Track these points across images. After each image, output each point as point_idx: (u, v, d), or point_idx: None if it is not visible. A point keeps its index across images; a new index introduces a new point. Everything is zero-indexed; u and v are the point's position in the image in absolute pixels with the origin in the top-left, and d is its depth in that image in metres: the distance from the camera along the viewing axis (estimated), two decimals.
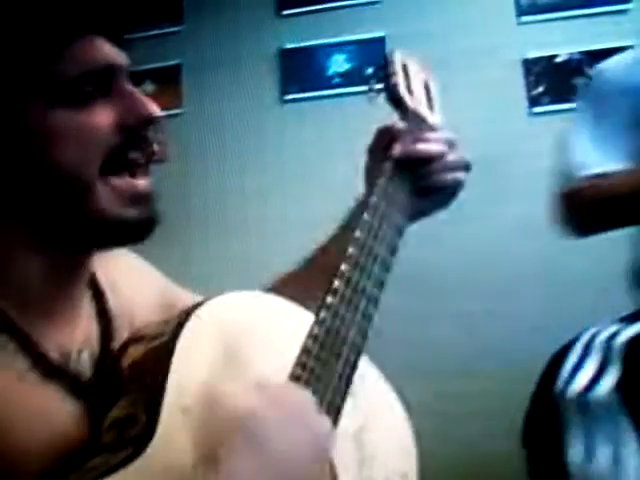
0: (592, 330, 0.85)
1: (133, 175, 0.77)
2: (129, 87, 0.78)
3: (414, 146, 0.99)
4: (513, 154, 2.70)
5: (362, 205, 0.99)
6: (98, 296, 0.85)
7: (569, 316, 2.44)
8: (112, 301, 0.86)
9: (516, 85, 2.78)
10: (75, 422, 0.73)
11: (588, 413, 0.77)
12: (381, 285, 0.87)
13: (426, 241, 2.68)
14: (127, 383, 0.75)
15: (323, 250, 1.07)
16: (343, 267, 0.84)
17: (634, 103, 1.51)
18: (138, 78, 3.02)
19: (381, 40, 2.87)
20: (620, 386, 0.77)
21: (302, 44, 2.94)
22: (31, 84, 0.71)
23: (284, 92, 2.91)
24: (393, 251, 0.90)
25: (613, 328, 0.84)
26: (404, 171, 0.98)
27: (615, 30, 2.71)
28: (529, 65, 2.77)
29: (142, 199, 0.77)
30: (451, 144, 1.04)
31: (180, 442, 0.68)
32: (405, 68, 1.10)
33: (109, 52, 0.77)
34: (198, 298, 1.01)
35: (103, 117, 0.74)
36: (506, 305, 2.59)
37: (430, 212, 1.05)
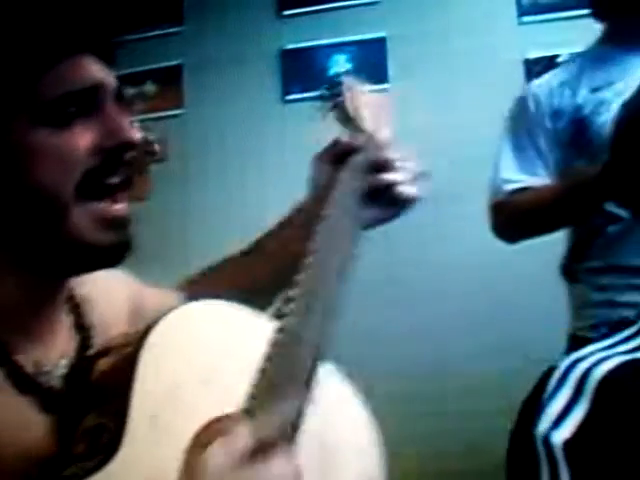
0: (572, 358, 0.83)
1: (111, 199, 0.76)
2: (113, 109, 0.76)
3: (382, 176, 1.02)
4: None
5: (304, 210, 1.05)
6: (75, 310, 0.84)
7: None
8: (88, 313, 0.86)
9: (517, 85, 2.77)
10: (46, 436, 0.73)
11: (551, 456, 0.76)
12: (339, 292, 0.89)
13: (426, 241, 2.69)
14: (96, 395, 0.76)
15: (266, 239, 1.09)
16: (300, 276, 0.86)
17: (555, 125, 1.68)
18: (140, 78, 3.01)
19: (382, 40, 2.88)
20: (586, 425, 0.76)
21: (303, 44, 2.94)
22: (17, 101, 0.71)
23: (285, 92, 2.91)
24: (350, 260, 0.93)
25: (593, 358, 0.82)
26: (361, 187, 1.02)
27: None
28: (530, 65, 2.77)
29: (117, 224, 0.76)
30: (407, 159, 1.06)
31: (149, 446, 0.70)
32: (353, 88, 1.16)
33: (96, 72, 0.75)
34: (168, 295, 1.03)
35: (82, 138, 0.73)
36: (507, 305, 2.60)
37: (383, 222, 1.07)
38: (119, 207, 0.77)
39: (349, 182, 1.00)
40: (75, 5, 0.76)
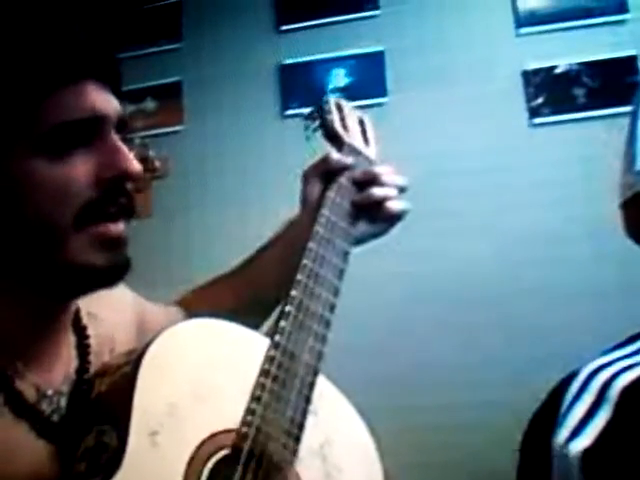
0: (594, 365, 0.82)
1: (110, 223, 0.75)
2: (113, 139, 0.75)
3: (372, 192, 1.03)
4: (514, 165, 2.71)
5: (295, 226, 1.07)
6: (79, 331, 0.85)
7: (572, 325, 2.45)
8: (94, 332, 0.86)
9: (516, 96, 2.78)
10: (45, 463, 0.73)
11: (566, 467, 0.75)
12: (332, 308, 0.92)
13: (427, 253, 2.69)
14: (96, 414, 0.77)
15: (254, 260, 1.10)
16: (293, 292, 0.89)
17: None
18: (139, 95, 3.02)
19: (380, 54, 2.89)
20: (604, 436, 0.74)
21: (301, 59, 2.95)
22: (16, 129, 0.70)
23: (284, 107, 2.92)
24: (340, 275, 0.96)
25: (616, 367, 0.81)
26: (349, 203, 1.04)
27: (614, 40, 2.72)
28: (528, 76, 2.77)
29: (113, 244, 0.76)
30: (394, 174, 1.07)
31: (149, 464, 0.71)
32: (339, 107, 1.18)
33: (97, 101, 0.74)
34: (169, 311, 1.04)
35: (81, 169, 0.72)
36: (508, 315, 2.59)
37: (372, 238, 1.08)
38: (116, 227, 0.76)
39: (338, 199, 1.02)
40: (76, 31, 0.75)
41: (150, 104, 3.05)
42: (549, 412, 0.80)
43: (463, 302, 2.61)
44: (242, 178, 2.90)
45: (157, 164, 3.00)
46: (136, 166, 0.75)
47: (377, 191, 1.03)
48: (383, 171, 1.05)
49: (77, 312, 0.85)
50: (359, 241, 1.05)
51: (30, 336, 0.77)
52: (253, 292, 1.06)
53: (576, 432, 0.75)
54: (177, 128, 3.02)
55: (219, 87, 2.99)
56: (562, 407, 0.79)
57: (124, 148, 0.76)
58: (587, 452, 0.73)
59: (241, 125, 2.95)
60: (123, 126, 0.78)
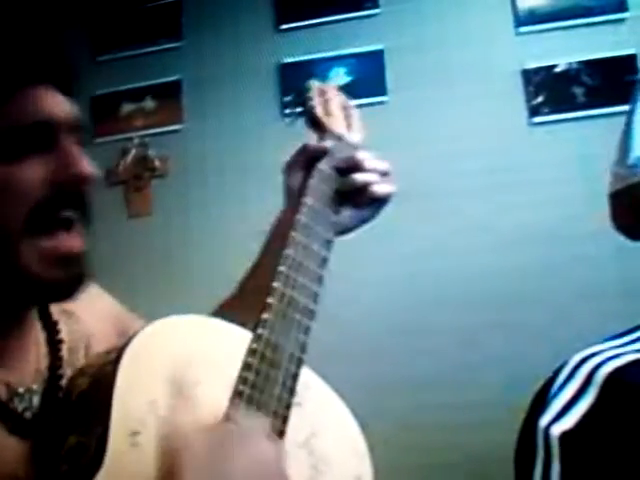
0: (584, 353, 0.83)
1: (64, 233, 0.74)
2: (67, 143, 0.74)
3: (354, 177, 1.02)
4: (514, 164, 2.71)
5: (281, 219, 1.06)
6: (49, 326, 0.84)
7: (571, 325, 2.45)
8: (68, 327, 0.85)
9: (516, 95, 2.78)
10: (18, 461, 0.72)
11: (547, 447, 0.75)
12: (315, 298, 0.90)
13: (427, 252, 2.69)
14: (76, 414, 0.77)
15: (251, 274, 1.08)
16: (275, 284, 0.88)
17: None
18: (139, 94, 3.02)
19: (380, 53, 2.89)
20: (585, 420, 0.75)
21: (301, 58, 2.95)
22: None
23: (284, 107, 2.92)
24: (324, 264, 0.94)
25: (605, 355, 0.82)
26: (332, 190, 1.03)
27: (613, 39, 2.72)
28: (528, 75, 2.77)
29: (66, 260, 0.74)
30: (378, 158, 1.06)
31: (131, 464, 0.71)
32: (322, 93, 1.17)
33: (51, 105, 0.73)
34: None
35: (32, 172, 0.71)
36: (508, 315, 2.59)
37: (361, 224, 1.07)
38: (70, 243, 0.75)
39: (320, 187, 1.01)
40: (29, 36, 0.74)
41: (150, 103, 3.05)
42: (540, 397, 0.81)
43: (462, 301, 2.61)
44: (242, 177, 2.89)
45: (157, 163, 3.00)
46: (89, 169, 0.75)
47: (360, 177, 1.02)
48: (365, 156, 1.04)
49: (45, 308, 0.84)
50: (348, 229, 1.04)
51: None
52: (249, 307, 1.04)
53: (560, 415, 0.77)
54: (177, 127, 3.02)
55: (219, 86, 2.99)
56: (551, 391, 0.80)
57: (78, 151, 0.75)
58: (567, 434, 0.74)
59: (241, 124, 2.94)
60: (78, 129, 0.77)
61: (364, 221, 1.06)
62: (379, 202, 1.04)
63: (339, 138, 1.09)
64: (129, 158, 3.00)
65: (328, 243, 0.97)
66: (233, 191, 2.90)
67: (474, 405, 2.49)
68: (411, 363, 2.59)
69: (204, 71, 3.02)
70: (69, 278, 0.75)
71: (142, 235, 2.91)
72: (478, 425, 2.45)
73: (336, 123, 1.13)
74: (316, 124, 1.13)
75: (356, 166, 1.03)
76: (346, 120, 1.16)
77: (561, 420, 0.76)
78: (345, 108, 1.19)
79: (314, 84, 1.19)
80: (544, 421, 0.77)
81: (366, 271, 2.61)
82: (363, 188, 1.02)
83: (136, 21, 3.10)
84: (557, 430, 0.75)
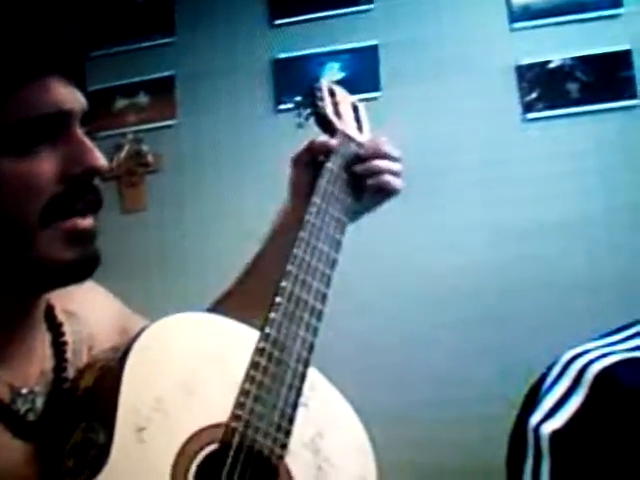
0: (575, 351, 0.83)
1: (80, 217, 0.75)
2: (79, 134, 0.75)
3: (374, 163, 1.03)
4: (507, 160, 2.71)
5: (284, 215, 1.07)
6: (54, 328, 0.84)
7: (566, 320, 2.45)
8: (71, 328, 0.85)
9: (510, 91, 2.78)
10: (22, 463, 0.72)
11: (537, 447, 0.76)
12: (323, 298, 0.90)
13: (420, 246, 2.69)
14: (82, 410, 0.76)
15: (252, 266, 1.09)
16: (284, 283, 0.88)
17: None
18: (132, 90, 3.01)
19: (374, 48, 2.88)
20: (574, 419, 0.75)
21: (295, 54, 2.94)
22: None
23: (278, 102, 2.91)
24: (333, 265, 0.94)
25: (595, 353, 0.82)
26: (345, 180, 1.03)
27: (607, 35, 2.72)
28: (522, 71, 2.77)
29: (82, 238, 0.75)
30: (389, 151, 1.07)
31: (136, 459, 0.71)
32: (332, 93, 1.17)
33: (61, 96, 0.73)
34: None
35: (46, 165, 0.71)
36: (503, 310, 2.59)
37: (367, 211, 1.08)
38: (84, 221, 0.75)
39: (329, 187, 1.01)
40: (40, 26, 0.74)
41: (143, 98, 3.04)
42: (531, 395, 0.81)
43: (456, 296, 2.62)
44: (236, 172, 2.89)
45: (150, 158, 2.99)
46: (102, 161, 0.75)
47: (372, 164, 1.03)
48: (376, 146, 1.05)
49: (51, 309, 0.84)
50: (354, 217, 1.05)
51: (0, 334, 0.76)
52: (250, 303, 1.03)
53: (550, 414, 0.77)
54: (170, 122, 3.01)
55: (212, 81, 2.98)
56: (542, 390, 0.81)
57: (90, 143, 0.75)
58: (556, 434, 0.74)
59: (235, 119, 2.94)
60: (88, 120, 0.77)
61: (366, 210, 1.07)
62: (390, 192, 1.05)
63: (349, 139, 1.09)
64: (123, 153, 2.99)
65: (337, 244, 0.97)
66: (227, 186, 2.90)
67: (469, 399, 2.49)
68: (404, 357, 2.59)
69: (198, 66, 3.01)
70: (86, 257, 0.75)
71: (136, 230, 2.90)
72: (473, 420, 2.45)
73: (346, 124, 1.13)
74: (326, 125, 1.13)
75: (366, 157, 1.04)
76: (356, 121, 1.16)
77: (551, 419, 0.76)
78: (355, 109, 1.19)
79: (324, 84, 1.18)
80: (534, 420, 0.77)
81: (358, 266, 2.61)
82: (373, 176, 1.03)
83: (129, 16, 3.09)
84: (547, 429, 0.75)
